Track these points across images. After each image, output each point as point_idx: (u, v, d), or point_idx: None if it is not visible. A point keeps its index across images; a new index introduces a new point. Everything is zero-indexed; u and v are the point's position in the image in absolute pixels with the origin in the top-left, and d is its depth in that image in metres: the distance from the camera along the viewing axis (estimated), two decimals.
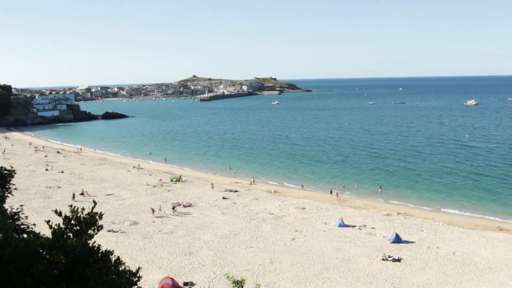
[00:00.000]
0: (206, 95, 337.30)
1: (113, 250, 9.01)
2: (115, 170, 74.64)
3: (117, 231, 41.56)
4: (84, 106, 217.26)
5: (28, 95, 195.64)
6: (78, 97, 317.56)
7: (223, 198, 54.63)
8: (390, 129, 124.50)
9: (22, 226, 10.85)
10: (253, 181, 65.46)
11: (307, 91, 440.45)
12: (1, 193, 12.91)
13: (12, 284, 7.62)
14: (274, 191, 58.59)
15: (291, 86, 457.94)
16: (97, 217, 8.63)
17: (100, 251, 8.58)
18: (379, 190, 58.73)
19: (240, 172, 73.46)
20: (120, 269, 8.67)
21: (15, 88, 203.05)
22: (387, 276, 31.23)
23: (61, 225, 8.46)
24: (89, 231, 8.54)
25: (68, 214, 8.69)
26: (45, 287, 7.81)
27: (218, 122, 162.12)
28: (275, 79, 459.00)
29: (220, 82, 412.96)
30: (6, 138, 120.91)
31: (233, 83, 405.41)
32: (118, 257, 8.88)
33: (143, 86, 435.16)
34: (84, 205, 9.64)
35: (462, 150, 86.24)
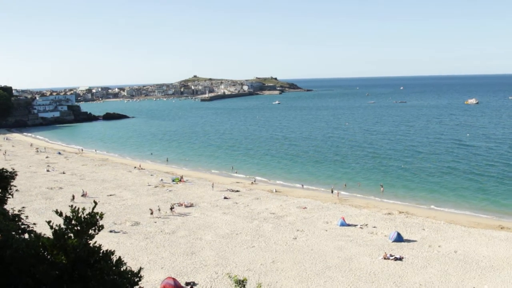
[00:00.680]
0: (206, 95, 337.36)
1: (114, 250, 9.02)
2: (116, 170, 74.70)
3: (118, 232, 41.58)
4: (85, 107, 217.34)
5: (29, 96, 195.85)
6: (79, 98, 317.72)
7: (225, 198, 54.64)
8: (390, 128, 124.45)
9: (23, 227, 10.87)
10: (254, 181, 65.48)
11: (308, 90, 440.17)
12: (2, 195, 12.94)
13: (13, 285, 7.62)
14: (276, 191, 58.60)
15: (292, 85, 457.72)
16: (97, 217, 8.63)
17: (101, 251, 8.58)
18: (381, 189, 58.68)
19: (241, 172, 73.48)
20: (122, 269, 8.68)
21: (15, 89, 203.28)
22: (388, 275, 31.21)
23: (62, 226, 8.47)
24: (90, 231, 8.55)
25: (69, 214, 8.69)
26: None
27: (219, 122, 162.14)
28: (275, 78, 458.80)
29: (221, 82, 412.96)
30: (7, 139, 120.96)
31: (234, 83, 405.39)
32: (119, 257, 8.88)
33: (143, 86, 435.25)
34: (85, 206, 9.64)
35: (463, 149, 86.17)
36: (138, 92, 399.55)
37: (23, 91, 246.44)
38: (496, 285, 29.38)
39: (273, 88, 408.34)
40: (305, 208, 49.67)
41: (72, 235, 8.36)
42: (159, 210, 48.04)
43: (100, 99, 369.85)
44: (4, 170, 13.39)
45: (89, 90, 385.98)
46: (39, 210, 48.42)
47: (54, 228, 8.39)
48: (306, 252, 35.90)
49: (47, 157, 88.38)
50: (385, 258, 34.09)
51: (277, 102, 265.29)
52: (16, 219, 11.58)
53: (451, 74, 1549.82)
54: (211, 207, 50.94)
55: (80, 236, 8.34)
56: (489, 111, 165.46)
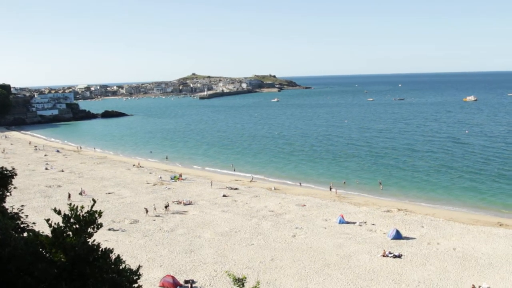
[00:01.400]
0: (205, 93, 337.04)
1: (113, 249, 8.99)
2: (115, 168, 74.62)
3: (117, 230, 41.55)
4: (83, 104, 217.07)
5: (27, 94, 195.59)
6: (78, 96, 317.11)
7: (223, 195, 54.61)
8: (389, 125, 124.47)
9: (22, 225, 10.84)
10: (253, 179, 65.47)
11: (306, 88, 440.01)
12: (0, 193, 12.89)
13: (12, 283, 7.59)
14: (274, 189, 58.59)
15: (291, 83, 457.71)
16: (96, 215, 8.60)
17: (100, 249, 8.56)
18: (380, 186, 58.70)
19: (240, 169, 73.47)
20: (121, 267, 8.66)
21: (14, 87, 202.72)
22: (388, 273, 31.24)
23: (61, 224, 8.44)
24: (89, 229, 8.52)
25: (68, 212, 8.66)
26: (45, 286, 7.79)
27: (218, 119, 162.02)
28: (274, 76, 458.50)
29: (220, 80, 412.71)
30: (5, 137, 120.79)
31: (232, 80, 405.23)
32: (118, 255, 8.87)
33: (142, 84, 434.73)
34: (83, 204, 9.60)
35: (462, 146, 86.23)
36: (136, 90, 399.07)
37: (21, 89, 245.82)
38: (495, 282, 29.42)
39: (271, 85, 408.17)
40: (304, 205, 49.69)
41: (71, 233, 8.33)
42: (154, 209, 47.84)
43: (99, 97, 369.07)
44: (4, 169, 13.34)
45: (87, 88, 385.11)
46: (37, 208, 48.34)
47: (53, 226, 8.36)
48: (305, 250, 35.92)
49: (45, 155, 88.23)
50: (384, 256, 34.12)
51: (275, 99, 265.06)
52: (15, 217, 11.55)
53: (450, 72, 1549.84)
54: (210, 205, 50.91)
55: (79, 234, 8.31)
56: (488, 108, 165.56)
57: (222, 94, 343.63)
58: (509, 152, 78.54)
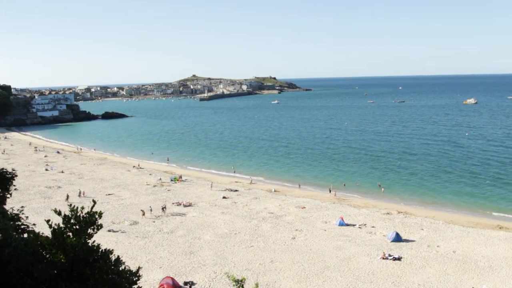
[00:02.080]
0: (205, 95, 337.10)
1: (112, 250, 9.00)
2: (115, 170, 74.62)
3: (117, 231, 41.54)
4: (83, 106, 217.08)
5: (28, 95, 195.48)
6: (78, 97, 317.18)
7: (223, 197, 54.60)
8: (389, 128, 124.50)
9: (22, 226, 10.84)
10: (253, 181, 65.46)
11: (306, 90, 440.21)
12: (1, 194, 12.90)
13: (12, 284, 7.60)
14: (274, 190, 58.58)
15: (291, 85, 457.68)
16: (96, 216, 8.62)
17: (100, 250, 8.57)
18: (382, 189, 58.54)
19: (240, 171, 73.48)
20: (120, 268, 8.67)
21: (14, 88, 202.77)
22: (387, 275, 31.22)
23: (61, 225, 8.45)
24: (89, 230, 8.53)
25: (68, 213, 8.67)
26: (45, 287, 7.80)
27: (218, 121, 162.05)
28: (274, 78, 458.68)
29: (220, 82, 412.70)
30: (5, 138, 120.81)
31: (232, 82, 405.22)
32: (118, 256, 8.88)
33: (142, 85, 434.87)
34: (84, 205, 9.62)
35: (462, 149, 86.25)
36: (137, 91, 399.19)
37: (22, 90, 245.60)
38: (494, 285, 29.41)
39: (272, 87, 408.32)
40: (304, 207, 49.67)
41: (71, 234, 8.34)
42: (151, 210, 47.70)
43: (99, 98, 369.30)
44: (5, 171, 13.35)
45: (88, 89, 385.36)
46: (37, 209, 48.35)
47: (53, 227, 8.38)
48: (304, 252, 35.90)
49: (45, 156, 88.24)
50: (383, 258, 34.11)
51: (276, 101, 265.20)
52: (16, 218, 11.56)
53: (450, 74, 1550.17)
54: (209, 206, 50.90)
55: (79, 235, 8.32)
56: (487, 111, 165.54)
57: (222, 96, 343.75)
58: (508, 156, 78.52)
